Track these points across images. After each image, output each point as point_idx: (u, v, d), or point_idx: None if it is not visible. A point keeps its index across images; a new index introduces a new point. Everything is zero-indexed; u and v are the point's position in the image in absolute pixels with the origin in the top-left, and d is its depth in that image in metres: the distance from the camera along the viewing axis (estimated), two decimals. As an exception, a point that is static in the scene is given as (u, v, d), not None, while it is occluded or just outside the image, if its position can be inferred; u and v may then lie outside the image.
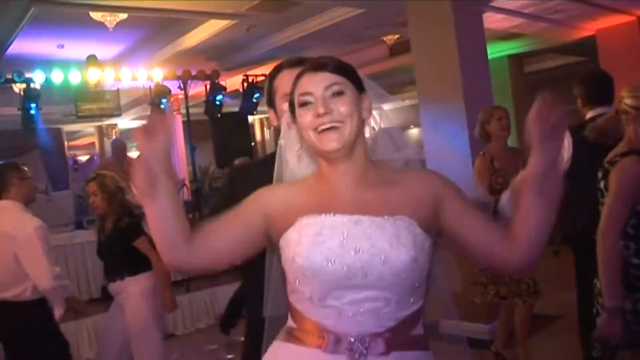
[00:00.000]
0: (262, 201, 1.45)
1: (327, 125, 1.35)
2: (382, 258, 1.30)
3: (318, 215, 1.36)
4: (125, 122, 12.36)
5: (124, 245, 3.84)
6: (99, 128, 12.84)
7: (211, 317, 6.13)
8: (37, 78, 7.26)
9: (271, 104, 1.83)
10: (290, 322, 1.43)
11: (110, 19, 6.31)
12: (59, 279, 3.42)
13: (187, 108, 8.79)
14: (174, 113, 10.05)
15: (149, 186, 1.32)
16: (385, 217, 1.35)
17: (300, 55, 1.85)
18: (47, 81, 7.37)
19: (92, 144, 13.92)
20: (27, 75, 7.21)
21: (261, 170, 1.85)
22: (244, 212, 1.45)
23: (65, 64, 7.54)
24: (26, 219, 3.42)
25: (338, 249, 1.31)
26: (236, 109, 9.15)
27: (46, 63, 7.44)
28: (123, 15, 6.34)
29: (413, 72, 5.12)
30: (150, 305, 3.80)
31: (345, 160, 1.40)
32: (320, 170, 1.45)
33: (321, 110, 1.35)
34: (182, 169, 11.38)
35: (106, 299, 6.23)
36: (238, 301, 5.08)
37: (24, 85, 7.24)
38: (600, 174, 2.45)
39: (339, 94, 1.38)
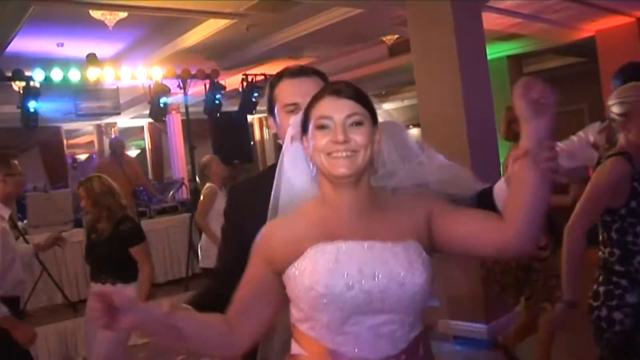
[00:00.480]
0: (262, 252, 1.45)
1: (342, 154, 1.36)
2: (399, 282, 1.33)
3: (331, 243, 1.36)
4: (125, 120, 12.36)
5: (121, 250, 3.83)
6: (98, 126, 12.83)
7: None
8: (37, 76, 7.25)
9: (271, 111, 1.83)
10: (298, 350, 1.42)
11: (110, 18, 6.30)
12: None
13: (186, 107, 8.79)
14: (174, 112, 10.05)
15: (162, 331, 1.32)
16: (395, 242, 1.37)
17: (301, 63, 1.84)
18: (47, 79, 7.35)
19: (92, 142, 13.91)
20: (27, 73, 7.21)
21: (261, 185, 1.81)
22: (255, 276, 1.45)
23: (64, 62, 7.53)
24: None
25: (357, 275, 1.32)
26: (235, 109, 9.15)
27: (46, 61, 7.43)
28: (123, 14, 6.34)
29: (412, 72, 5.12)
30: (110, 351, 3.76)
31: (351, 188, 1.41)
32: (323, 194, 1.45)
33: (341, 137, 1.36)
34: (181, 168, 11.38)
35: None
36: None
37: (23, 83, 7.24)
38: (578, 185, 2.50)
39: (358, 124, 1.38)
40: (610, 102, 2.43)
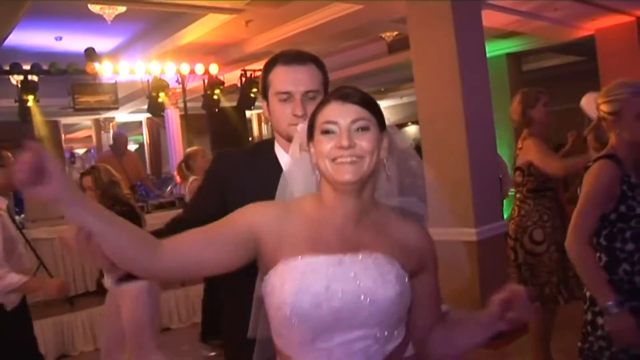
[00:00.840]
0: (254, 219, 1.39)
1: (347, 160, 1.33)
2: (369, 297, 1.29)
3: (298, 258, 1.32)
4: (123, 115, 12.33)
5: None
6: (97, 121, 12.80)
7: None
8: (35, 70, 7.24)
9: (265, 95, 1.80)
10: None
11: (109, 12, 6.29)
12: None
13: (184, 102, 8.78)
14: (172, 107, 10.04)
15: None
16: (363, 254, 1.34)
17: (299, 49, 1.81)
18: (45, 73, 7.35)
19: (90, 137, 13.88)
20: (25, 67, 7.20)
21: (248, 157, 1.83)
22: (231, 224, 1.39)
23: (63, 56, 7.52)
24: None
25: (324, 293, 1.28)
26: (234, 104, 9.14)
27: (44, 55, 7.42)
28: (122, 8, 6.32)
29: (411, 69, 5.12)
30: (145, 305, 3.78)
31: (354, 196, 1.37)
32: (324, 198, 1.41)
33: (345, 143, 1.32)
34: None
35: (102, 292, 6.25)
36: (215, 311, 5.02)
37: (21, 77, 7.23)
38: (579, 181, 2.40)
39: (364, 129, 1.35)
40: (599, 100, 2.37)
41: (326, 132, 1.36)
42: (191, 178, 5.36)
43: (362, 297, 1.29)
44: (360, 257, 1.33)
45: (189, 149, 5.76)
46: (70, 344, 5.49)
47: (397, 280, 1.33)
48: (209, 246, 1.36)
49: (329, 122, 1.36)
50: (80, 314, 5.50)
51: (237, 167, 1.79)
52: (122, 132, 9.21)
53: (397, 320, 1.36)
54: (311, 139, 1.41)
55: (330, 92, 1.45)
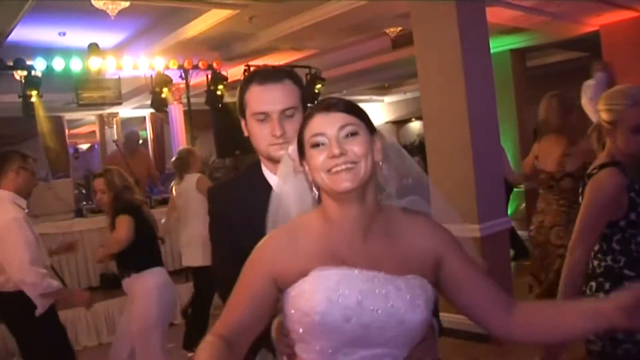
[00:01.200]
0: (267, 268, 1.37)
1: (342, 167, 1.31)
2: (398, 319, 1.29)
3: (334, 268, 1.31)
4: (127, 110, 12.35)
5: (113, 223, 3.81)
6: (100, 117, 12.83)
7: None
8: (38, 65, 7.25)
9: (243, 115, 1.77)
10: None
11: (112, 7, 6.27)
12: (39, 276, 3.29)
13: (188, 98, 8.78)
14: (175, 103, 10.05)
15: None
16: (400, 276, 1.33)
17: (274, 65, 1.77)
18: (48, 69, 7.36)
19: (93, 132, 13.91)
20: (28, 62, 7.20)
21: (242, 187, 1.80)
22: (256, 292, 1.36)
23: (66, 51, 7.52)
24: (8, 209, 3.38)
25: (356, 307, 1.28)
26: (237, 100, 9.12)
27: (47, 51, 7.43)
28: (125, 4, 6.31)
29: (415, 65, 5.10)
30: (155, 303, 3.79)
31: (357, 203, 1.35)
32: (327, 212, 1.39)
33: (336, 151, 1.31)
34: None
35: (105, 287, 6.27)
36: (200, 316, 5.01)
37: (24, 73, 7.23)
38: (581, 188, 2.38)
39: (353, 134, 1.33)
40: (599, 107, 2.35)
41: (316, 145, 1.34)
42: (195, 175, 5.19)
43: (392, 318, 1.29)
44: (394, 276, 1.32)
45: (185, 147, 5.72)
46: (73, 339, 5.50)
47: (426, 305, 1.33)
48: (257, 316, 1.35)
49: (316, 134, 1.34)
50: (84, 309, 5.50)
51: (235, 199, 1.76)
52: (135, 130, 9.24)
53: (416, 343, 1.36)
54: (303, 157, 1.39)
55: (312, 106, 1.43)
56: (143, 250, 3.83)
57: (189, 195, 5.09)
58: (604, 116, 2.32)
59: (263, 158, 1.77)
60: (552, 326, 1.35)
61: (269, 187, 1.62)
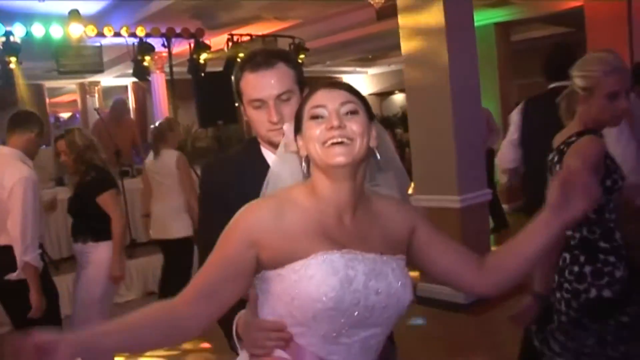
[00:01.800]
0: (247, 234, 1.33)
1: (338, 140, 1.29)
2: (397, 299, 1.33)
3: (338, 253, 1.30)
4: (109, 79, 12.20)
5: (87, 203, 3.74)
6: (81, 85, 12.67)
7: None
8: (17, 32, 7.12)
9: (240, 101, 1.74)
10: (280, 354, 1.37)
11: (93, -27, 6.17)
12: (35, 246, 3.32)
13: (170, 66, 8.69)
14: (158, 71, 9.95)
15: None
16: (388, 256, 1.36)
17: (267, 48, 1.74)
18: (28, 35, 7.23)
19: (74, 101, 13.74)
20: (7, 28, 7.07)
21: (237, 163, 1.79)
22: (231, 257, 1.33)
23: (46, 17, 7.39)
24: (21, 167, 3.39)
25: (363, 291, 1.29)
26: (220, 69, 9.06)
27: (26, 16, 7.28)
28: (106, -31, 6.21)
29: (399, 37, 5.09)
30: (106, 277, 3.75)
31: (348, 182, 1.34)
32: (317, 189, 1.37)
33: (335, 122, 1.30)
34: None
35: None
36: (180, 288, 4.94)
37: (3, 39, 7.10)
38: (554, 157, 2.37)
39: (353, 112, 1.34)
40: (574, 73, 2.35)
41: (315, 117, 1.34)
42: (173, 153, 5.06)
43: (392, 297, 1.32)
44: (386, 257, 1.35)
45: (165, 120, 5.62)
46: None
47: (410, 283, 1.37)
48: (229, 284, 1.34)
49: (317, 106, 1.34)
50: (65, 277, 5.50)
51: (230, 175, 1.75)
52: (122, 97, 9.16)
53: (398, 315, 1.38)
54: (299, 131, 1.39)
55: (316, 83, 1.44)
56: (106, 219, 3.75)
57: (166, 172, 5.01)
58: (579, 82, 2.31)
59: (265, 143, 1.75)
60: (516, 260, 1.41)
61: (267, 167, 1.60)
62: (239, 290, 1.36)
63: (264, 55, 1.70)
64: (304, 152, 1.37)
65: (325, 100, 1.34)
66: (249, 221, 1.34)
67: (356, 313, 1.29)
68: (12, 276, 3.29)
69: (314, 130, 1.33)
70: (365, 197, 1.42)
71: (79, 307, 3.82)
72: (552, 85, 3.54)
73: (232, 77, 1.75)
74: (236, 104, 1.79)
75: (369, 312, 1.30)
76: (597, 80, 2.26)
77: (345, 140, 1.30)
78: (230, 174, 1.75)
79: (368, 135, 1.35)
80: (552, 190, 1.31)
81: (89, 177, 3.78)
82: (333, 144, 1.30)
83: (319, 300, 1.26)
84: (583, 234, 2.30)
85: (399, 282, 1.34)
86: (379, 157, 1.40)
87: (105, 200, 3.73)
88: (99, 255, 3.76)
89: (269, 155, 1.74)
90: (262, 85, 1.66)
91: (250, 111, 1.70)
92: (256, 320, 1.41)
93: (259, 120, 1.69)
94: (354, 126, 1.32)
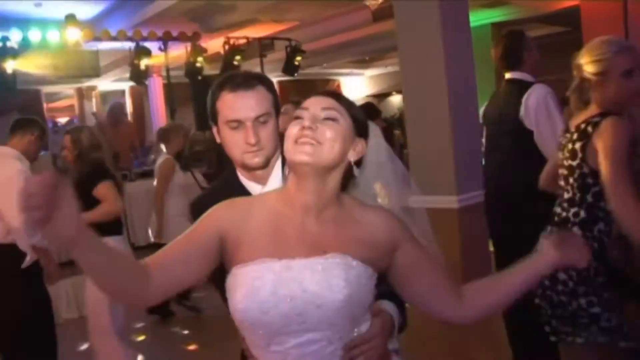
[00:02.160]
0: (221, 219, 1.41)
1: (305, 140, 1.32)
2: (316, 302, 1.29)
3: (250, 264, 1.33)
4: (106, 83, 12.19)
5: (86, 199, 3.58)
6: (79, 90, 12.65)
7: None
8: (14, 37, 7.12)
9: (215, 121, 1.72)
10: None
11: (89, -23, 6.19)
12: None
13: (167, 70, 8.71)
14: (155, 75, 9.95)
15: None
16: (316, 257, 1.33)
17: (246, 70, 1.72)
18: (25, 40, 7.23)
19: (72, 106, 13.73)
20: (3, 33, 7.07)
21: (222, 195, 1.69)
22: (202, 232, 1.40)
23: (43, 22, 7.40)
24: (14, 163, 3.40)
25: (271, 299, 1.29)
26: (217, 72, 9.07)
27: (23, 22, 7.30)
28: (102, -26, 6.22)
29: (396, 38, 5.10)
30: None
31: (315, 183, 1.35)
32: (287, 187, 1.41)
33: (307, 123, 1.33)
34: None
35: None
36: None
37: (0, 44, 7.11)
38: (572, 136, 2.32)
39: (332, 119, 1.35)
40: (582, 61, 2.34)
41: (297, 117, 1.37)
42: (164, 156, 5.18)
43: (309, 302, 1.29)
44: (310, 260, 1.33)
45: (171, 123, 5.66)
46: (54, 311, 5.50)
47: (346, 283, 1.31)
48: (189, 263, 1.37)
49: (302, 108, 1.37)
50: (65, 282, 5.49)
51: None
52: (119, 102, 9.17)
53: (353, 319, 1.36)
54: None
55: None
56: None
57: (157, 176, 5.14)
58: (591, 68, 2.29)
59: (238, 167, 1.73)
60: (497, 296, 1.46)
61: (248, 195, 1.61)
62: (195, 272, 1.39)
63: (243, 77, 1.69)
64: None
65: (309, 104, 1.37)
66: (220, 214, 1.41)
67: (271, 322, 1.29)
68: (26, 262, 3.33)
69: (292, 129, 1.35)
70: (340, 204, 1.41)
71: (91, 305, 3.71)
72: (509, 76, 3.47)
73: (209, 97, 1.71)
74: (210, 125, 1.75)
75: (286, 320, 1.29)
76: (609, 62, 2.25)
77: (313, 141, 1.32)
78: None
79: (343, 145, 1.35)
80: (546, 246, 1.43)
81: (84, 173, 3.72)
82: (302, 142, 1.32)
83: (235, 311, 1.32)
84: (567, 214, 2.31)
85: (319, 285, 1.30)
86: (356, 174, 1.41)
87: (101, 190, 3.65)
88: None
89: (248, 184, 1.72)
90: (241, 106, 1.63)
91: (225, 132, 1.67)
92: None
93: (234, 141, 1.66)
94: (328, 131, 1.33)
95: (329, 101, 1.38)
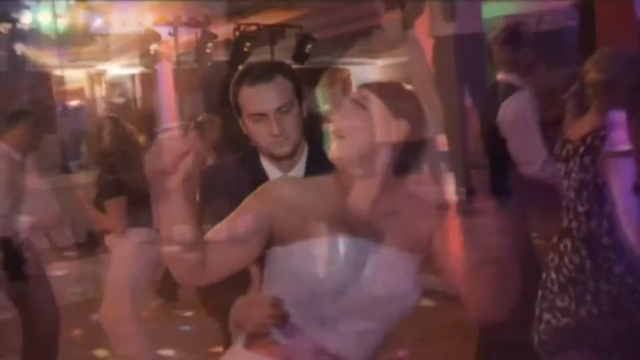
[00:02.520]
0: (269, 205, 1.37)
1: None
2: (404, 296, 1.33)
3: (343, 237, 1.32)
4: (116, 68, 12.19)
5: (102, 202, 3.58)
6: (89, 74, 12.65)
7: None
8: (24, 19, 7.11)
9: (239, 114, 1.75)
10: (277, 335, 1.37)
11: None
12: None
13: (177, 55, 8.69)
14: (164, 60, 9.93)
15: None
16: (399, 251, 1.35)
17: (264, 60, 1.73)
18: (34, 23, 7.22)
19: (82, 89, 13.73)
20: (14, 16, 7.06)
21: (237, 171, 1.79)
22: (246, 227, 1.36)
23: (52, 6, 7.37)
24: None
25: (370, 279, 1.30)
26: (227, 59, 9.05)
27: (33, 4, 7.27)
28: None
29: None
30: (129, 266, 3.53)
31: (364, 174, 1.35)
32: (339, 177, 1.39)
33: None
34: (172, 118, 11.28)
35: (92, 244, 6.27)
36: None
37: (9, 26, 7.09)
38: (579, 149, 2.25)
39: (363, 107, 1.36)
40: (587, 67, 2.29)
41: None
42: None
43: (399, 293, 1.31)
44: (394, 250, 1.34)
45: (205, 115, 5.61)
46: (59, 293, 5.52)
47: (419, 285, 1.36)
48: (232, 253, 1.36)
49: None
50: (71, 264, 5.52)
51: (230, 187, 1.70)
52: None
53: (401, 314, 1.37)
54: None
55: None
56: (129, 207, 3.56)
57: None
58: (598, 77, 2.24)
59: (266, 156, 1.75)
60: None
61: (265, 180, 1.61)
62: (242, 256, 1.37)
63: (261, 68, 1.72)
64: None
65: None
66: (272, 194, 1.39)
67: (358, 299, 1.29)
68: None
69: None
70: (390, 189, 1.38)
71: (111, 287, 3.63)
72: (497, 77, 3.34)
73: (230, 91, 1.75)
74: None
75: (371, 302, 1.30)
76: (618, 75, 2.21)
77: (344, 135, 1.36)
78: (228, 184, 1.73)
79: (371, 131, 1.33)
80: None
81: (106, 179, 3.61)
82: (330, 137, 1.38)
83: (309, 281, 1.28)
84: (590, 226, 2.26)
85: (410, 280, 1.33)
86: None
87: (112, 207, 3.54)
88: (124, 242, 3.56)
89: (269, 167, 1.74)
90: (262, 99, 1.66)
91: (250, 124, 1.71)
92: (255, 296, 1.44)
93: (259, 134, 1.70)
94: (344, 124, 1.39)
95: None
